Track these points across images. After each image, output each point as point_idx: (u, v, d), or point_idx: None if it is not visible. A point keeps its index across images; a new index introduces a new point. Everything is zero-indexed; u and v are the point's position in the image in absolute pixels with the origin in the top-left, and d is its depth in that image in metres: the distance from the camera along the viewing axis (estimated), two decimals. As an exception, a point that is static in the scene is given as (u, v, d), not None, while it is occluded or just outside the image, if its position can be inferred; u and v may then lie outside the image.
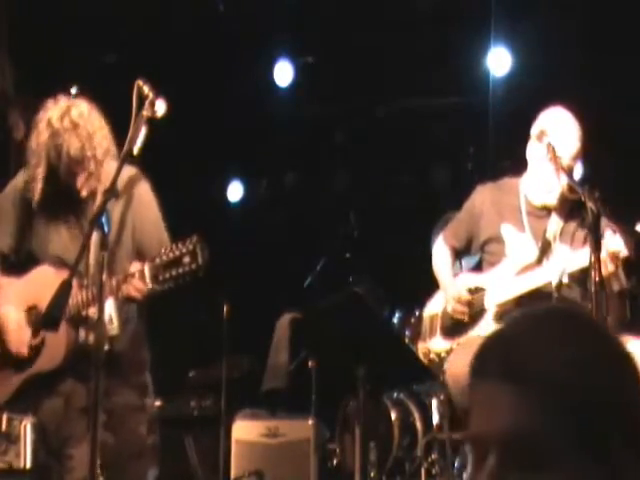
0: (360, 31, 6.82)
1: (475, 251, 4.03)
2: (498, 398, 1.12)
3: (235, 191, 8.05)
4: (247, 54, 7.02)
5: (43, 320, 3.35)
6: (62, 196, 3.51)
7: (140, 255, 3.51)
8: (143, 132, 3.50)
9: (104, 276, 3.09)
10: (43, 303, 3.34)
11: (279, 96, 7.49)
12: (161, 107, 3.56)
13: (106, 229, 3.13)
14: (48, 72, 5.91)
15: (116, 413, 3.42)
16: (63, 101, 3.51)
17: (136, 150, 3.49)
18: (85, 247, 3.20)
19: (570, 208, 3.83)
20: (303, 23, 7.05)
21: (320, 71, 7.30)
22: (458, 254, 4.14)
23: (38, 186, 3.46)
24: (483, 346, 1.19)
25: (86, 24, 6.35)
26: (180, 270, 3.14)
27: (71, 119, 3.44)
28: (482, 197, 3.97)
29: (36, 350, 3.42)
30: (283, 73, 7.39)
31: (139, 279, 3.21)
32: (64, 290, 3.20)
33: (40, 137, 3.45)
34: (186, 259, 3.14)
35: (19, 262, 3.61)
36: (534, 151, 3.84)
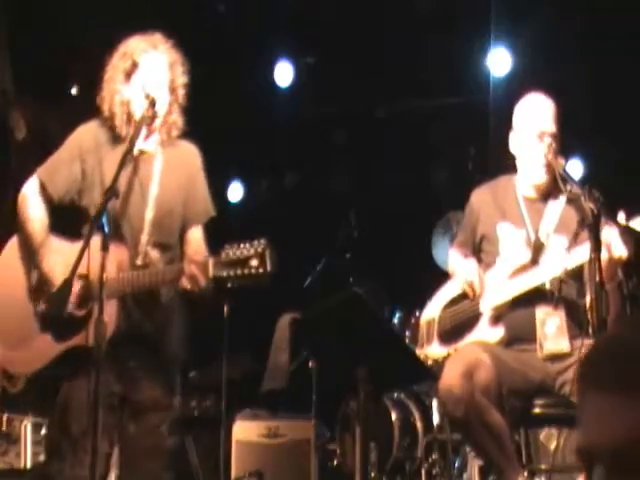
0: (360, 31, 6.82)
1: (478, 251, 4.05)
2: (611, 410, 1.08)
3: (235, 191, 8.06)
4: (247, 54, 7.02)
5: (47, 304, 3.32)
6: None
7: (186, 224, 3.52)
8: (143, 133, 3.50)
9: (104, 276, 3.07)
10: (93, 275, 3.20)
11: (279, 96, 7.48)
12: (162, 108, 3.56)
13: (106, 230, 3.12)
14: (48, 72, 5.90)
15: (143, 405, 3.40)
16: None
17: (136, 151, 3.50)
18: (84, 248, 3.17)
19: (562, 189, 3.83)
20: (303, 23, 7.05)
21: (320, 71, 7.30)
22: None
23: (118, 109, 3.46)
24: (597, 353, 1.14)
25: (86, 24, 6.35)
26: (245, 271, 3.05)
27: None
28: (479, 198, 4.00)
29: (80, 323, 3.30)
30: (283, 73, 7.40)
31: (201, 271, 3.14)
32: (64, 290, 3.18)
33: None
34: (254, 262, 3.04)
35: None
36: (516, 141, 3.88)
